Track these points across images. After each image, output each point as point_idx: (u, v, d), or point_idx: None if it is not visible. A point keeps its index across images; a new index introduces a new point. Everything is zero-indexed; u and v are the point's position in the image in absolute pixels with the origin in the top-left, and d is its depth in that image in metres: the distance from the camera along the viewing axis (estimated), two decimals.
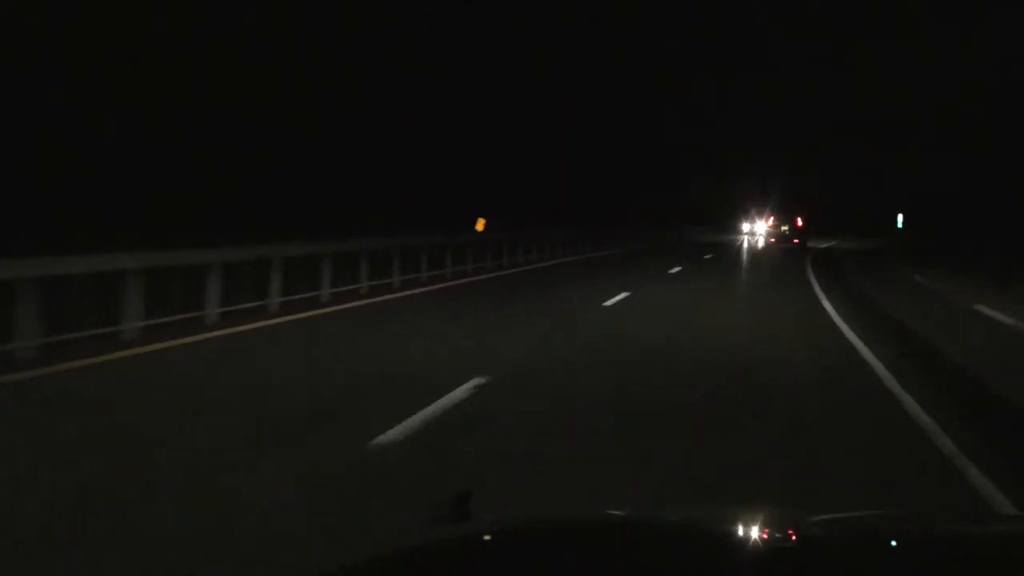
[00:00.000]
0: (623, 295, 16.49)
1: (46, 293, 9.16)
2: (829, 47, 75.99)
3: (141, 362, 8.92)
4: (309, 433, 5.63)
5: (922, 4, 53.30)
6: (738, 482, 5.13)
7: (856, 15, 74.80)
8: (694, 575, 1.68)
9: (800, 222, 48.86)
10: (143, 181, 23.02)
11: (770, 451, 5.93)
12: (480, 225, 24.86)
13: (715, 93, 71.10)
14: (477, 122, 39.74)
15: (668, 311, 14.84)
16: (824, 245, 48.86)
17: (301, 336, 11.12)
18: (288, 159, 29.24)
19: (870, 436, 6.46)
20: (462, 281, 19.29)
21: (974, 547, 1.85)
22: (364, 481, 4.52)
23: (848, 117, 73.81)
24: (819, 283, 21.38)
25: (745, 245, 49.00)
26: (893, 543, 1.86)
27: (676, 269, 25.85)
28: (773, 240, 47.93)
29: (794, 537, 1.87)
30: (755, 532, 1.91)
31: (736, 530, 1.95)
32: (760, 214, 60.52)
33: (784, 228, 48.72)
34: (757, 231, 59.72)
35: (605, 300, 15.76)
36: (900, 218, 54.83)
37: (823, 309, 15.56)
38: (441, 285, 17.98)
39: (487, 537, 1.90)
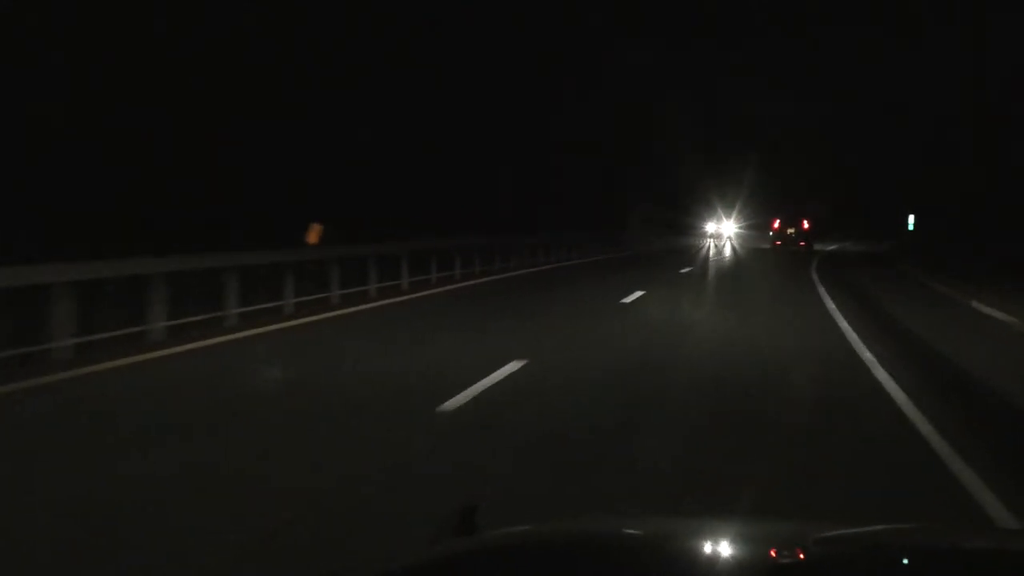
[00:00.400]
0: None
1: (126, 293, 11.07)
2: (826, 39, 76.20)
3: (269, 341, 11.43)
4: (395, 402, 7.87)
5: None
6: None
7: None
8: None
9: (806, 224, 48.93)
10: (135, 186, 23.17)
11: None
12: (313, 236, 20.09)
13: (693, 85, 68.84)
14: (473, 124, 39.91)
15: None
16: (830, 248, 48.88)
17: (365, 325, 13.32)
18: (278, 159, 29.40)
19: None
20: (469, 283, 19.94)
21: (982, 561, 1.86)
22: (437, 429, 6.78)
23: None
24: (845, 317, 14.65)
25: (710, 252, 42.99)
26: (901, 558, 1.86)
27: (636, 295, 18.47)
28: (779, 244, 47.93)
29: (801, 556, 1.87)
30: (762, 550, 1.93)
31: (743, 547, 1.96)
32: (729, 213, 56.68)
33: (790, 231, 48.73)
34: (725, 232, 54.32)
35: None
36: (911, 219, 53.52)
37: (876, 388, 9.01)
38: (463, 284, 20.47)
39: (493, 552, 1.91)
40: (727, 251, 45.23)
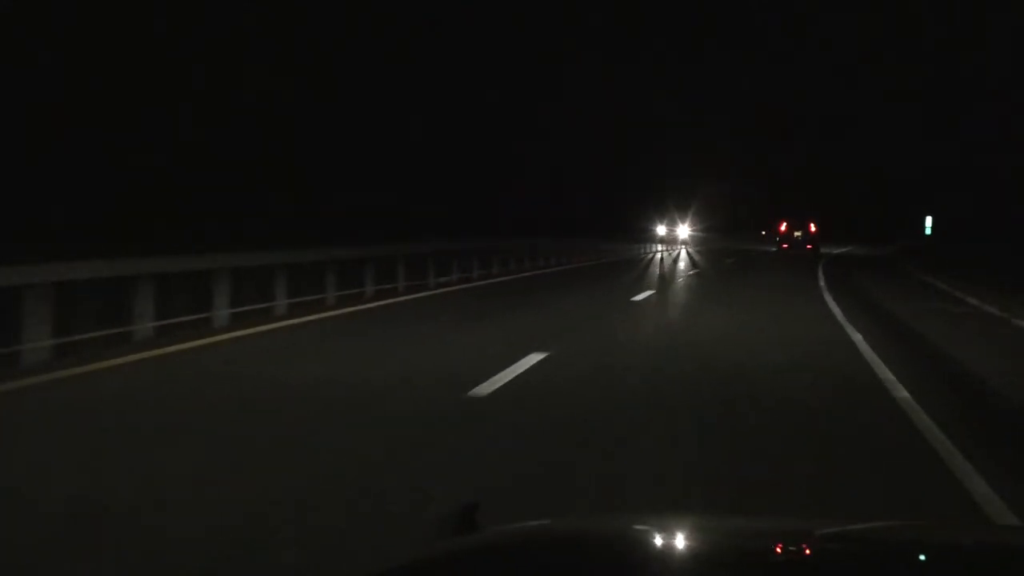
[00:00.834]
0: None
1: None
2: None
3: (306, 330, 11.90)
4: (428, 390, 7.97)
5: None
6: None
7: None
8: None
9: (813, 228, 49.05)
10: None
11: None
12: None
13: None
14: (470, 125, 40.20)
15: None
16: (837, 251, 48.90)
17: (394, 316, 14.06)
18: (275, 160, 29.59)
19: None
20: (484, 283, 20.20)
21: (989, 559, 1.87)
22: (467, 412, 7.12)
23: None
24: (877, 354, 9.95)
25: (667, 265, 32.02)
26: (907, 555, 1.88)
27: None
28: (786, 247, 48.05)
29: (808, 551, 1.90)
30: (768, 545, 1.94)
31: (749, 542, 1.98)
32: (684, 216, 50.06)
33: (797, 234, 48.85)
34: (680, 235, 47.28)
35: None
36: (928, 221, 50.75)
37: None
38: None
39: (493, 549, 1.93)
40: (684, 263, 33.55)
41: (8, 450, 5.73)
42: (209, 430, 6.36)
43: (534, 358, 9.18)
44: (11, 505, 4.73)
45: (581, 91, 53.17)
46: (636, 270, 28.64)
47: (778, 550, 1.92)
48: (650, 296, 18.32)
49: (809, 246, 47.24)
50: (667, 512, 4.18)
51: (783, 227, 49.56)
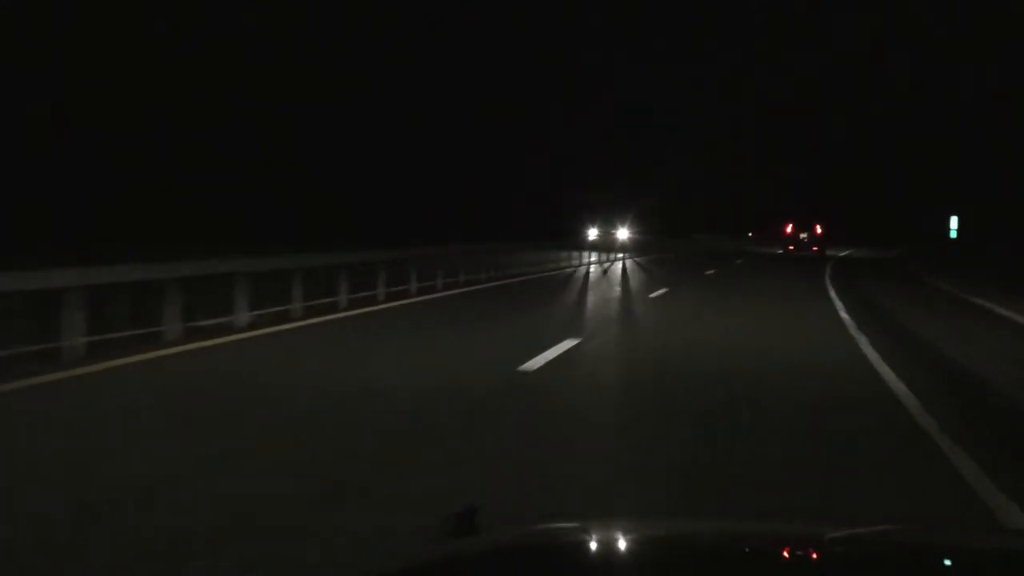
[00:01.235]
0: None
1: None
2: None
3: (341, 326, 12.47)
4: (488, 366, 9.30)
5: None
6: None
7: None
8: None
9: (819, 229, 49.21)
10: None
11: None
12: None
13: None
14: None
15: None
16: (843, 253, 48.84)
17: (438, 310, 14.97)
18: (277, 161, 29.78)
19: None
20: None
21: (994, 562, 1.88)
22: (520, 382, 8.33)
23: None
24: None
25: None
26: (913, 558, 1.89)
27: None
28: (791, 248, 48.20)
29: (814, 555, 1.90)
30: (775, 550, 1.96)
31: (756, 547, 1.98)
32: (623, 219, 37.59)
33: (803, 236, 49.01)
34: (620, 237, 35.47)
35: None
36: (954, 222, 45.77)
37: None
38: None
39: (493, 551, 1.94)
40: (618, 282, 22.93)
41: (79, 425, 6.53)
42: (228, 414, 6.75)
43: None
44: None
45: (582, 89, 51.96)
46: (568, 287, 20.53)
47: (785, 554, 1.93)
48: None
49: (815, 248, 47.39)
50: (671, 515, 4.29)
51: (789, 229, 49.70)
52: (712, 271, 27.76)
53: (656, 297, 17.74)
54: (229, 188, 25.82)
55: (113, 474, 5.14)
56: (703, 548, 1.96)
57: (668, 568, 1.82)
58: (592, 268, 28.96)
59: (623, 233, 38.23)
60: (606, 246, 35.10)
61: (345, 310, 13.72)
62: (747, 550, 1.96)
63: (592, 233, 35.70)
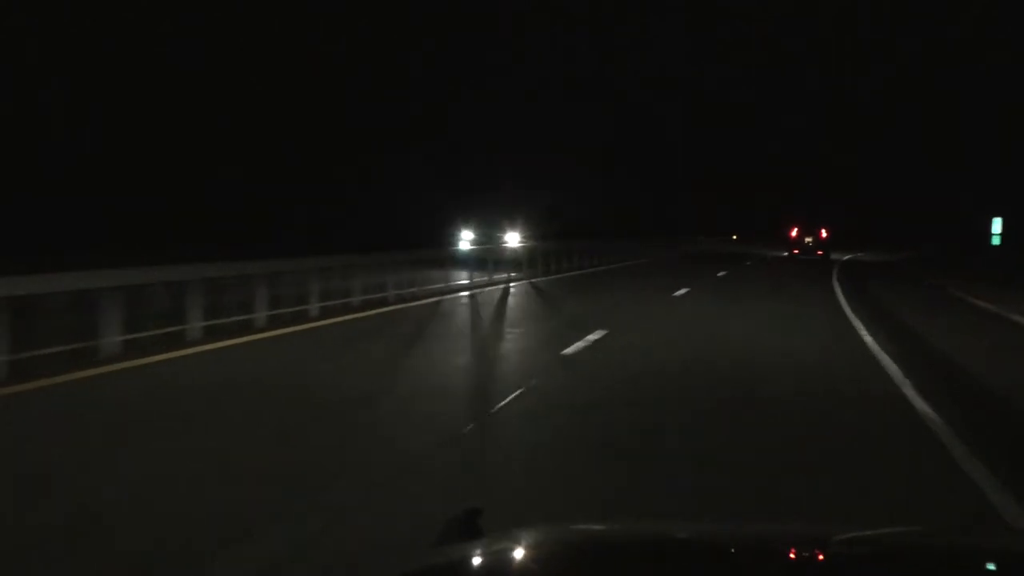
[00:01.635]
0: None
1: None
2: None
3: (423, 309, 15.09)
4: (536, 351, 11.25)
5: None
6: None
7: None
8: None
9: (824, 233, 49.47)
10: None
11: None
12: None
13: None
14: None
15: None
16: (846, 257, 48.98)
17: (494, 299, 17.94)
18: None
19: None
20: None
21: (1002, 564, 1.88)
22: (564, 363, 10.22)
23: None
24: None
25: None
26: (919, 560, 1.89)
27: None
28: (796, 252, 48.48)
29: (820, 556, 1.91)
30: (781, 551, 1.98)
31: (762, 548, 2.00)
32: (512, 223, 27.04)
33: (808, 239, 49.30)
34: (509, 241, 26.18)
35: None
36: (997, 225, 38.04)
37: None
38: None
39: (496, 554, 1.94)
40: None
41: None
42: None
43: None
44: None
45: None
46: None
47: (792, 554, 1.96)
48: None
49: (820, 252, 47.71)
50: (677, 518, 4.45)
51: (794, 232, 49.97)
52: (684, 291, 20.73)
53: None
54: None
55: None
56: (709, 549, 1.98)
57: (674, 569, 1.83)
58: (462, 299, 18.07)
59: (512, 238, 26.58)
60: (485, 254, 23.11)
61: None
62: (753, 551, 1.97)
63: (468, 239, 24.88)
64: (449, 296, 18.00)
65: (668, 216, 61.11)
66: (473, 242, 24.64)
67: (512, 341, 12.04)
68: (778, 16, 73.19)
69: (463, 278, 20.63)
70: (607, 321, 13.65)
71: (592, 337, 11.85)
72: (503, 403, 7.69)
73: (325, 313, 13.80)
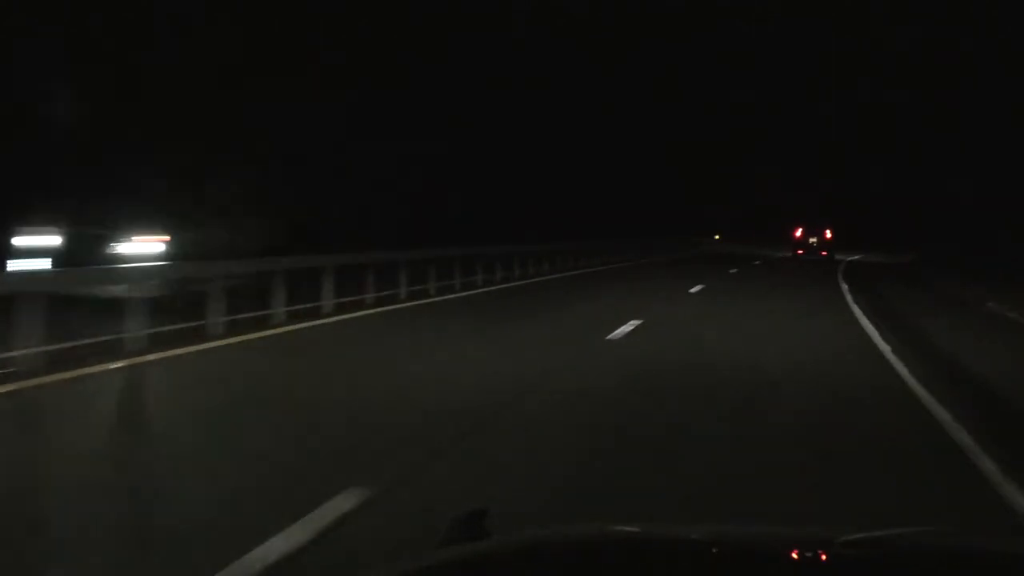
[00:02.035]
0: None
1: None
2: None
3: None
4: (585, 334, 13.40)
5: None
6: None
7: None
8: None
9: (828, 234, 49.45)
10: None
11: None
12: None
13: None
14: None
15: None
16: (851, 258, 48.90)
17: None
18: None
19: None
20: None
21: (1008, 566, 1.89)
22: (608, 347, 12.16)
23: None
24: None
25: None
26: (924, 562, 1.89)
27: None
28: (800, 252, 48.45)
29: (824, 557, 1.92)
30: (784, 552, 1.98)
31: (764, 549, 2.00)
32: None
33: (812, 240, 49.29)
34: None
35: None
36: None
37: None
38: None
39: (502, 555, 1.95)
40: None
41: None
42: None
43: None
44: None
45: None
46: None
47: (795, 555, 1.97)
48: None
49: (824, 252, 47.68)
50: (679, 519, 4.48)
51: (798, 233, 49.98)
52: None
53: None
54: None
55: None
56: (713, 550, 1.99)
57: (678, 570, 1.84)
58: None
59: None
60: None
61: None
62: (756, 552, 1.98)
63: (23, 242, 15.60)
64: None
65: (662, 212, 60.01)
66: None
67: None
68: (778, 16, 73.18)
69: None
70: None
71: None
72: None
73: None
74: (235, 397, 8.34)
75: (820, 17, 75.39)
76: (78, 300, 11.36)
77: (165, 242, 17.10)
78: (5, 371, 8.75)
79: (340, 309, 15.04)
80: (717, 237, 67.25)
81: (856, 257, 50.63)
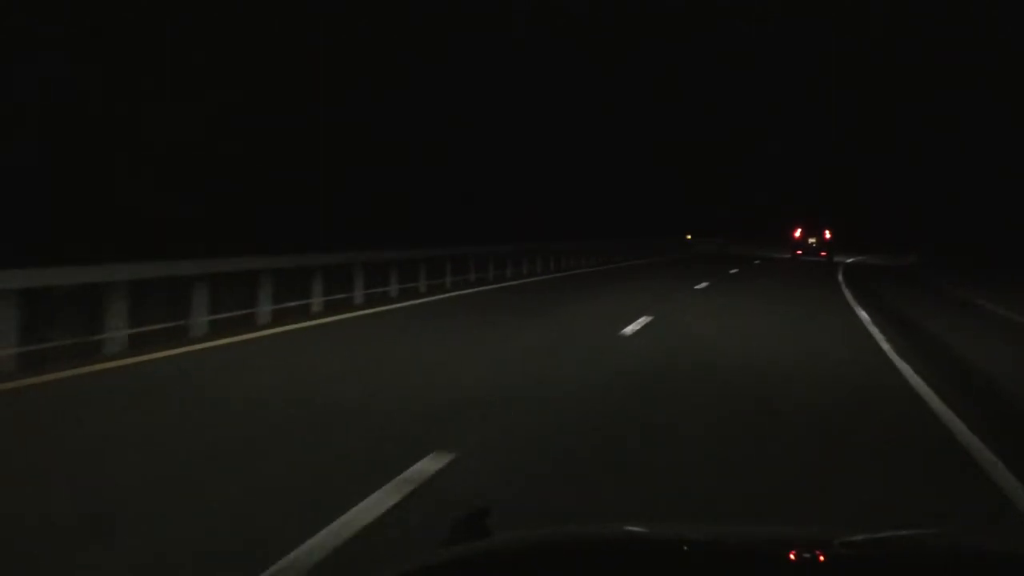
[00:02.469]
0: None
1: None
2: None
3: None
4: (598, 328, 14.72)
5: None
6: None
7: None
8: None
9: (828, 235, 49.59)
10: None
11: None
12: None
13: None
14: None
15: None
16: (850, 260, 48.96)
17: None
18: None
19: None
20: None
21: (1007, 565, 1.90)
22: (622, 341, 13.15)
23: None
24: None
25: None
26: (922, 562, 1.90)
27: None
28: (799, 253, 48.58)
29: (821, 558, 1.94)
30: (781, 552, 2.00)
31: (764, 549, 2.02)
32: None
33: (811, 240, 49.46)
34: None
35: None
36: None
37: None
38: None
39: (504, 554, 1.97)
40: None
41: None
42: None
43: None
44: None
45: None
46: None
47: (792, 556, 1.98)
48: None
49: (823, 253, 47.82)
50: (681, 519, 4.54)
51: (797, 233, 50.12)
52: None
53: None
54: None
55: None
56: (713, 550, 2.01)
57: (678, 570, 1.87)
58: None
59: None
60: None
61: None
62: (755, 553, 1.99)
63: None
64: None
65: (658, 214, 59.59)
66: None
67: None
68: (778, 16, 73.20)
69: None
70: None
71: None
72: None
73: None
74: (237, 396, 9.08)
75: (820, 17, 75.57)
76: None
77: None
78: None
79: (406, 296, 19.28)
80: (689, 237, 63.92)
81: (856, 259, 50.65)
